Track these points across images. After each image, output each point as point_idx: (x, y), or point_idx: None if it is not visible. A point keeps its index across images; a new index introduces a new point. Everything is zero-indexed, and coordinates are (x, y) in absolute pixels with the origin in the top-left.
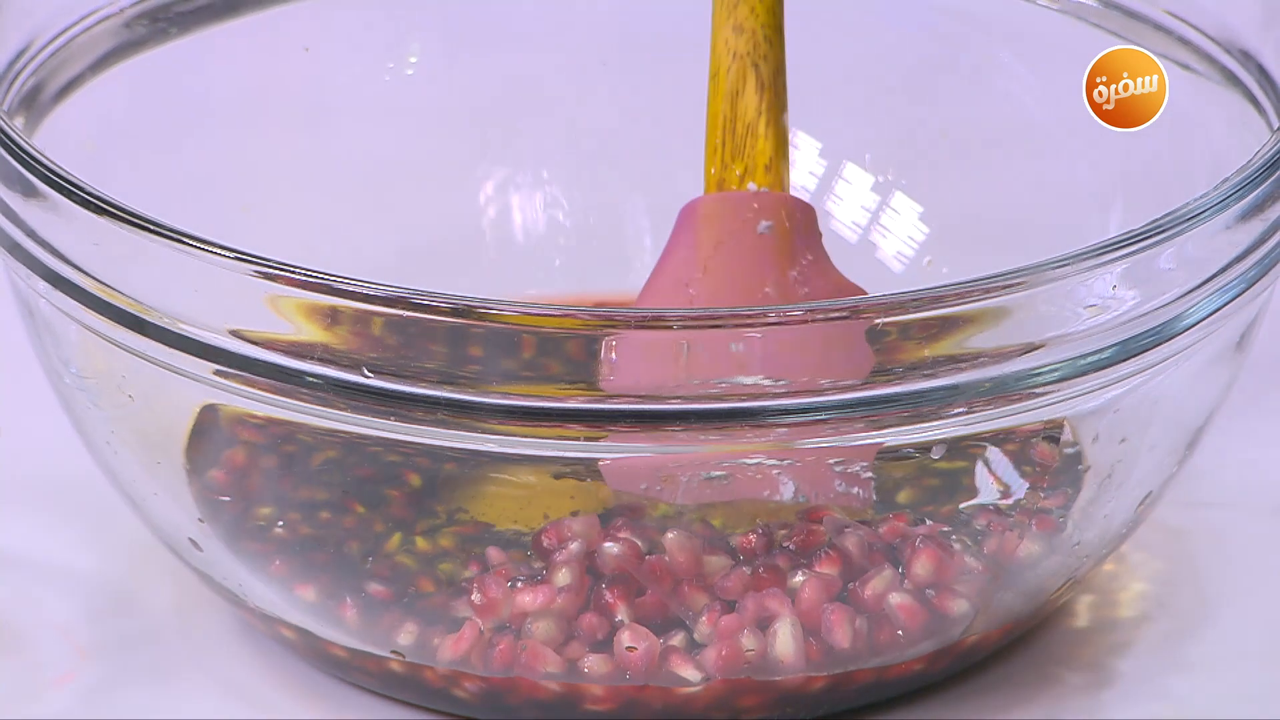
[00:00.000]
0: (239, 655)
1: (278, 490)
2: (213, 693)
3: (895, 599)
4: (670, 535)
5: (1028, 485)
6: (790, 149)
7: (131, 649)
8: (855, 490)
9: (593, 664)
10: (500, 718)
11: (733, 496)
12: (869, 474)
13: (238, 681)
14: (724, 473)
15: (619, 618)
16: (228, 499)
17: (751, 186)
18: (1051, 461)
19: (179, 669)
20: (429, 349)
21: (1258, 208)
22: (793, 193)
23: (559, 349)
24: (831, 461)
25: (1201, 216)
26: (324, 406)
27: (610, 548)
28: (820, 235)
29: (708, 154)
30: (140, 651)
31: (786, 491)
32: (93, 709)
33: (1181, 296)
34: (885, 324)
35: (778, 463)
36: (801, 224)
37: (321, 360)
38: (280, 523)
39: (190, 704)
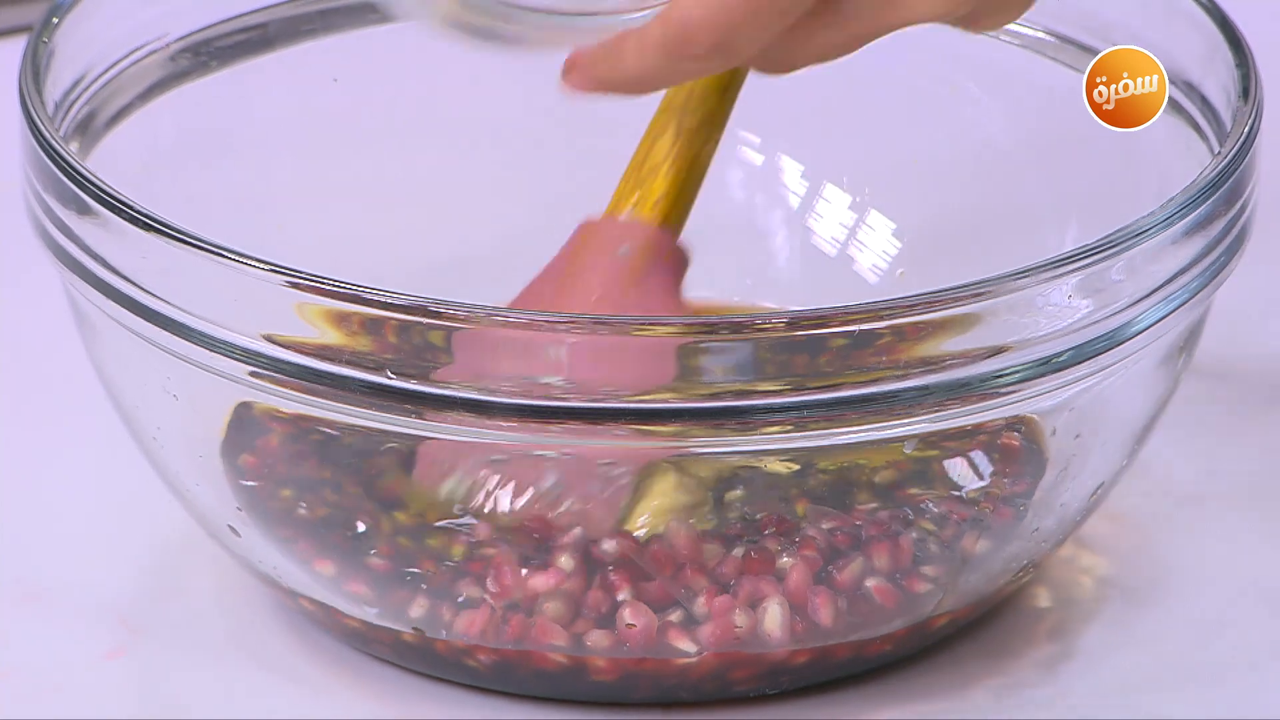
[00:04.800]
0: (274, 631)
1: (307, 481)
2: (251, 667)
3: (871, 582)
4: (672, 523)
5: (992, 476)
6: (700, 190)
7: (177, 626)
8: (607, 494)
9: (596, 638)
10: (510, 689)
11: (516, 492)
12: (626, 479)
13: (273, 656)
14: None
15: (621, 597)
16: (260, 489)
17: (626, 215)
18: (1015, 454)
19: (221, 645)
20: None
21: (1200, 225)
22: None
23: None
24: (599, 463)
25: (1149, 233)
26: (349, 405)
27: (609, 545)
28: (682, 265)
29: (622, 180)
30: (185, 629)
31: (548, 481)
32: (142, 680)
33: (1131, 305)
34: (863, 330)
35: (556, 455)
36: (659, 253)
37: (348, 363)
38: (306, 508)
39: (230, 676)
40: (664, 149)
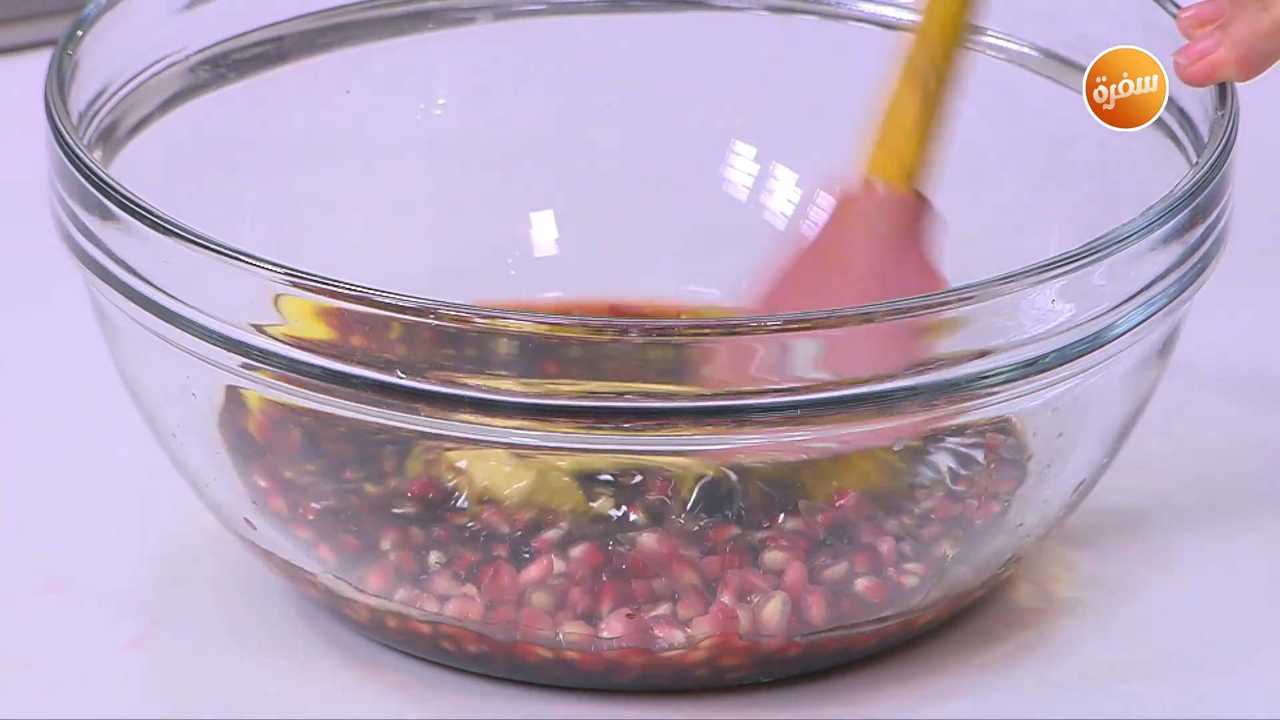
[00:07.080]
0: (290, 620)
1: (322, 479)
2: (268, 655)
3: (861, 575)
4: (645, 535)
5: (978, 473)
6: (938, 152)
7: (197, 616)
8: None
9: (586, 632)
10: (512, 676)
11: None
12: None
13: (289, 645)
14: None
15: (607, 595)
16: (275, 488)
17: (883, 188)
18: (999, 452)
19: (239, 634)
20: (457, 352)
21: (1178, 232)
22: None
23: (564, 352)
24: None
25: (1129, 240)
26: (363, 404)
27: (578, 550)
28: (931, 232)
29: (870, 144)
30: (205, 618)
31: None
32: (164, 669)
33: (1112, 309)
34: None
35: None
36: (915, 224)
37: (360, 363)
38: (322, 506)
39: (249, 665)
40: (913, 115)
